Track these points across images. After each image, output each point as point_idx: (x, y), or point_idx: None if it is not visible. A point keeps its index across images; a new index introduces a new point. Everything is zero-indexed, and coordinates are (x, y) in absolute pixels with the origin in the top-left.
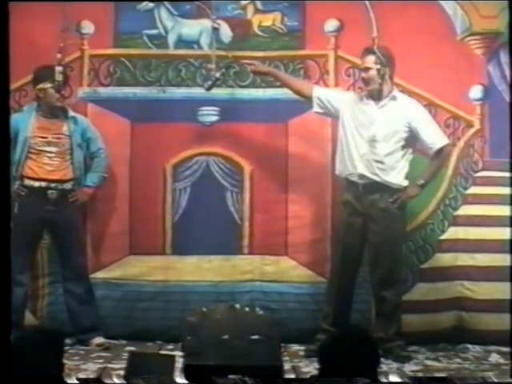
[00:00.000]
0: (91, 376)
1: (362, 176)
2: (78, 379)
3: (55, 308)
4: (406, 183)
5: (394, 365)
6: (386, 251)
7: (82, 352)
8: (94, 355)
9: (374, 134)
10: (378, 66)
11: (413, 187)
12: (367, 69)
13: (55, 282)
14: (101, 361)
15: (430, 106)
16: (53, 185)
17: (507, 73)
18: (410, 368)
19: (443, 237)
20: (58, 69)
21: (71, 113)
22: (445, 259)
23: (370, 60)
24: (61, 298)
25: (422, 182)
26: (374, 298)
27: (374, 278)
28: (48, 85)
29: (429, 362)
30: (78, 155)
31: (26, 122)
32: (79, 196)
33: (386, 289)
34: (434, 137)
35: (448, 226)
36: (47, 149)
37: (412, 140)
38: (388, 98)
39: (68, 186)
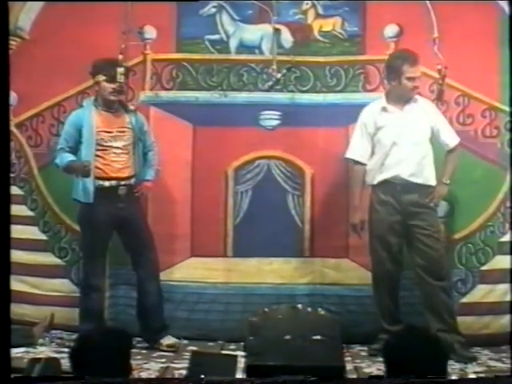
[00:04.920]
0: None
1: (400, 179)
2: None
3: (117, 309)
4: (435, 182)
5: (457, 366)
6: (429, 243)
7: (144, 352)
8: (155, 355)
9: (405, 138)
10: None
11: (442, 186)
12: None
13: (116, 284)
14: (163, 360)
15: (490, 109)
16: (122, 182)
17: None
18: (473, 369)
19: (503, 239)
20: (120, 70)
21: (131, 106)
22: (505, 261)
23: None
24: (122, 299)
25: (448, 180)
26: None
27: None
28: (102, 77)
29: (492, 363)
30: (139, 149)
31: (88, 118)
32: (142, 190)
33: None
34: (451, 136)
35: (509, 228)
36: (114, 144)
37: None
38: (412, 101)
39: (133, 180)
